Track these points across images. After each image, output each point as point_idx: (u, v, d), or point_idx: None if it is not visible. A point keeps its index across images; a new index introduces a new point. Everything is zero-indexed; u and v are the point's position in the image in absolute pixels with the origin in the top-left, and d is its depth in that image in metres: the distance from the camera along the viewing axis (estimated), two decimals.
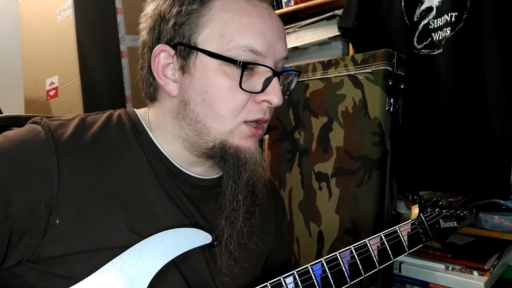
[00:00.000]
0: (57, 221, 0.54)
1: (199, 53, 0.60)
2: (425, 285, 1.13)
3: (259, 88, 0.60)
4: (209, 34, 0.59)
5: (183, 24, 0.60)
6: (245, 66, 0.58)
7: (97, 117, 0.65)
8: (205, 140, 0.62)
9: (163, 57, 0.62)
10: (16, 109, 1.93)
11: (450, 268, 1.12)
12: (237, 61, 0.58)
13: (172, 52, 0.61)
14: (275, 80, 0.60)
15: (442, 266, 1.13)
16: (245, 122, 0.61)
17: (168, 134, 0.65)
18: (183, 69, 0.61)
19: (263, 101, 0.60)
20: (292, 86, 0.71)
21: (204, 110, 0.61)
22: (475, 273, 1.08)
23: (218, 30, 0.59)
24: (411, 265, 1.17)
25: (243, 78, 0.58)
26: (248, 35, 0.58)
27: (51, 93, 1.66)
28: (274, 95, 0.60)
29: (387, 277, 1.08)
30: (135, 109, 0.70)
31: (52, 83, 1.65)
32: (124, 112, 0.68)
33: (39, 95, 1.73)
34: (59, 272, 0.55)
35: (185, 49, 0.60)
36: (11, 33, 2.06)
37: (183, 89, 0.62)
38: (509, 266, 1.20)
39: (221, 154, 0.62)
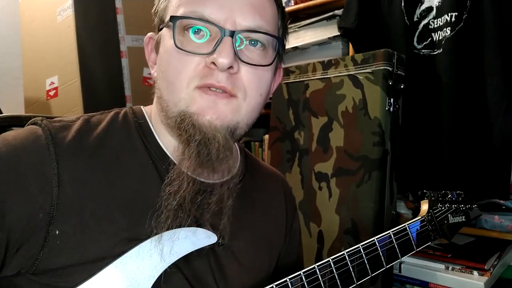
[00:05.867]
0: (57, 232, 0.51)
1: (163, 29, 0.60)
2: (425, 285, 1.13)
3: (209, 50, 0.56)
4: (170, 6, 0.60)
5: (159, 9, 0.62)
6: (175, 22, 0.56)
7: (102, 118, 0.62)
8: (170, 118, 0.58)
9: (150, 45, 0.65)
10: (16, 109, 1.93)
11: (450, 268, 1.12)
12: (170, 18, 0.57)
13: (155, 36, 0.63)
14: (224, 40, 0.55)
15: (442, 266, 1.13)
16: (198, 88, 0.56)
17: (159, 124, 0.63)
18: (156, 49, 0.63)
19: (212, 63, 0.55)
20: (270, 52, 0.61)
21: (163, 83, 0.59)
22: (475, 273, 1.08)
23: (175, 2, 0.59)
24: (411, 265, 1.17)
25: (190, 41, 0.56)
26: (197, 0, 0.57)
27: (51, 93, 1.66)
28: (218, 54, 0.54)
29: (387, 277, 1.08)
30: (142, 107, 0.67)
31: (52, 83, 1.65)
32: (130, 111, 0.65)
33: (39, 95, 1.73)
34: (60, 284, 0.52)
35: (159, 30, 0.62)
36: (11, 33, 2.06)
37: (157, 68, 0.62)
38: (509, 266, 1.20)
39: (182, 125, 0.56)
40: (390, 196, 1.08)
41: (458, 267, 1.10)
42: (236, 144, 0.73)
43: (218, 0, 0.56)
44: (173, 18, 0.56)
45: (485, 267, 1.08)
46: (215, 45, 0.55)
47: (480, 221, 1.18)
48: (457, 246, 1.20)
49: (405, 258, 1.18)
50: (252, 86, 0.58)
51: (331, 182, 1.16)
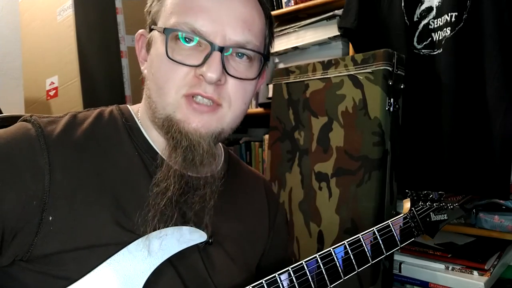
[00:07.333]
0: (50, 218, 0.54)
1: (155, 31, 0.63)
2: (425, 285, 1.13)
3: (198, 62, 0.59)
4: (163, 12, 0.62)
5: (152, 9, 0.65)
6: (168, 33, 0.59)
7: (88, 114, 0.66)
8: (157, 118, 0.62)
9: (141, 42, 0.68)
10: (16, 109, 1.94)
11: (450, 268, 1.12)
12: (163, 29, 0.60)
13: (147, 35, 0.66)
14: (213, 55, 0.58)
15: (442, 266, 1.13)
16: (186, 96, 0.60)
17: (146, 119, 0.66)
18: (147, 48, 0.66)
19: (201, 75, 0.59)
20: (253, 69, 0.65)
21: (152, 84, 0.62)
22: (475, 273, 1.08)
23: (169, 7, 0.62)
24: (411, 265, 1.17)
25: (181, 49, 0.59)
26: (190, 12, 0.59)
27: (51, 93, 1.66)
28: (207, 68, 0.58)
29: (387, 277, 1.08)
30: (128, 105, 0.70)
31: (52, 83, 1.65)
32: (116, 108, 0.68)
33: (39, 95, 1.74)
34: (54, 273, 0.54)
35: (151, 30, 0.65)
36: (11, 33, 2.06)
37: (147, 68, 0.65)
38: (509, 266, 1.20)
39: (170, 132, 0.60)
40: (390, 196, 1.09)
41: (458, 267, 1.10)
42: (220, 144, 0.78)
43: (209, 13, 0.59)
44: (166, 30, 0.60)
45: (485, 267, 1.08)
46: (204, 57, 0.59)
47: (480, 221, 1.18)
48: (457, 246, 1.20)
49: (405, 258, 1.19)
50: (237, 97, 0.62)
51: (331, 182, 1.16)
